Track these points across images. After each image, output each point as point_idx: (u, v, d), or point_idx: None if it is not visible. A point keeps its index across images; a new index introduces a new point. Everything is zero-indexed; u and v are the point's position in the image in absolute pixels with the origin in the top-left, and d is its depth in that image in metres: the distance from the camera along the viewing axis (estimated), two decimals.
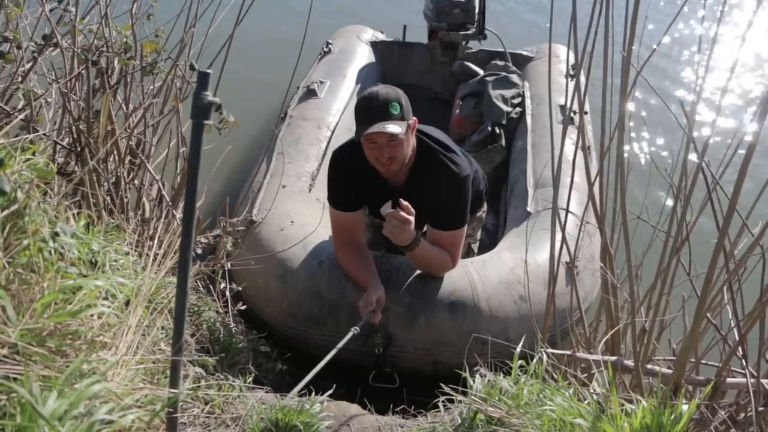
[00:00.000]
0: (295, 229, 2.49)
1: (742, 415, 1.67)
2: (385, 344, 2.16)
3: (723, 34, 5.01)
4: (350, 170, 2.21)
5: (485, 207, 2.62)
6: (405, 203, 2.10)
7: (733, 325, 1.75)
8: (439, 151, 2.19)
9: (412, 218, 2.09)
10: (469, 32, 4.02)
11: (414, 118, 2.14)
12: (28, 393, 0.95)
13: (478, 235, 2.74)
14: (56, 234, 1.30)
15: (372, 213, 2.41)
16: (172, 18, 2.36)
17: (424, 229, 2.31)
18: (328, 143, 3.10)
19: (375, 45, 4.24)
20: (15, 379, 1.02)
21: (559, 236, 2.00)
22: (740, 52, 1.74)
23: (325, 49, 3.99)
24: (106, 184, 2.27)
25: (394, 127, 2.02)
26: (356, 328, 2.01)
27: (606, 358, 1.80)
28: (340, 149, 2.32)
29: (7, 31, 2.14)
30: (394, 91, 2.10)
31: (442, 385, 1.75)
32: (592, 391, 1.71)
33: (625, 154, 1.77)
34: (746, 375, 1.58)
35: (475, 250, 2.73)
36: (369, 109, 2.06)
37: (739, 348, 1.64)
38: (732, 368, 1.70)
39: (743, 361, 1.63)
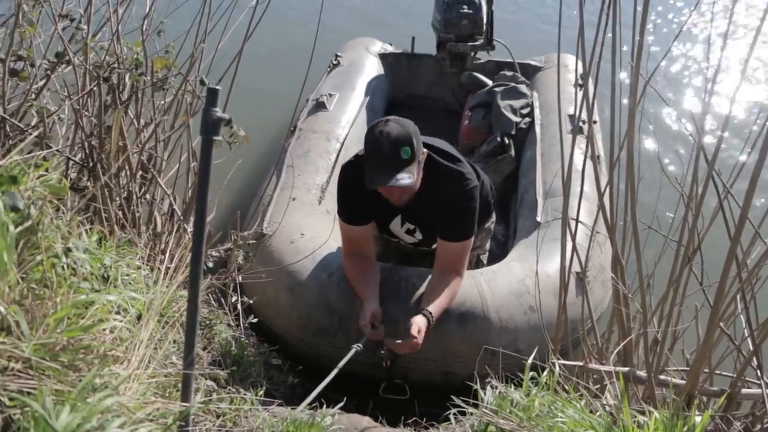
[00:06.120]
0: (305, 241, 2.50)
1: (758, 426, 1.65)
2: (392, 357, 2.15)
3: (732, 40, 5.01)
4: (359, 186, 2.15)
5: (494, 217, 2.61)
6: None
7: (747, 334, 1.73)
8: (446, 164, 2.18)
9: (418, 340, 2.06)
10: (477, 43, 4.03)
11: (424, 150, 2.10)
12: (41, 407, 0.96)
13: (487, 245, 2.72)
14: (69, 249, 1.32)
15: (381, 229, 2.39)
16: (182, 34, 2.39)
17: (433, 246, 2.30)
18: (338, 156, 3.11)
19: (384, 57, 4.26)
20: (29, 394, 1.03)
21: (569, 246, 1.99)
22: (751, 57, 1.72)
23: (334, 62, 4.01)
24: (118, 199, 2.28)
25: (405, 179, 1.99)
26: (359, 345, 2.01)
27: (618, 369, 1.78)
28: (348, 164, 2.29)
29: (21, 49, 2.18)
30: (404, 130, 2.02)
31: (453, 397, 1.74)
32: (604, 402, 1.70)
33: (636, 163, 1.76)
34: (761, 385, 1.57)
35: (485, 261, 2.71)
36: (379, 156, 2.01)
37: (754, 358, 1.62)
38: (747, 378, 1.69)
39: (758, 371, 1.62)
